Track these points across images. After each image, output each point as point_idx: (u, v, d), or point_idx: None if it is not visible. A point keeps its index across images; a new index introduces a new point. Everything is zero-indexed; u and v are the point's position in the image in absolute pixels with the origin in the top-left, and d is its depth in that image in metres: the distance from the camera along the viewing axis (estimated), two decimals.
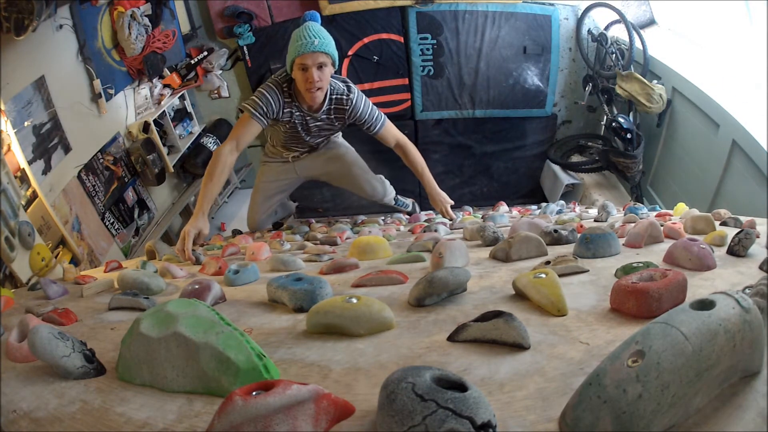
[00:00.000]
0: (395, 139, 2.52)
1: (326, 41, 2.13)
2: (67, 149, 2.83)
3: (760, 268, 0.92)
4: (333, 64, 2.20)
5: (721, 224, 1.60)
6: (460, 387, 0.43)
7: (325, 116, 2.37)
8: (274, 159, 2.74)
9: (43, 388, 0.62)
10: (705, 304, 0.40)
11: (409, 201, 3.48)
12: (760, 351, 0.41)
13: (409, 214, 3.49)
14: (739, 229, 1.14)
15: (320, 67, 2.13)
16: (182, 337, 0.60)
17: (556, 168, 4.47)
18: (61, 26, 2.84)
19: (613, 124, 3.72)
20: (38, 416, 0.56)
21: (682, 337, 0.36)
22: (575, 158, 4.47)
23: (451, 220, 2.59)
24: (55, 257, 2.49)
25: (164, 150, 3.69)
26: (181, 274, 1.57)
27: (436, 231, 2.09)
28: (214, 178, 2.18)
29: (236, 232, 3.54)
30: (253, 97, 2.24)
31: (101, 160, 3.14)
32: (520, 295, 0.90)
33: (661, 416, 0.34)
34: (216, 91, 4.45)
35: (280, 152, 2.67)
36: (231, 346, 0.60)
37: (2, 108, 2.39)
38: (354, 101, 2.33)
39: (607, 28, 4.09)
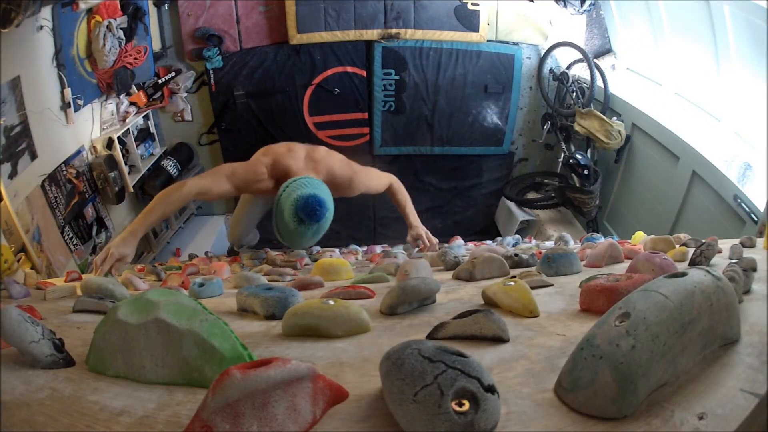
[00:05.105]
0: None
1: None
2: (33, 156, 2.75)
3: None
4: None
5: (680, 246, 1.68)
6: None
7: None
8: None
9: (8, 374, 0.58)
10: (678, 275, 0.44)
11: None
12: (737, 318, 0.45)
13: None
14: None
15: None
16: (164, 323, 0.58)
17: (511, 205, 4.60)
18: (41, 27, 2.78)
19: (570, 160, 3.87)
20: (4, 400, 0.53)
21: (663, 297, 0.40)
22: (531, 195, 4.61)
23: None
24: (17, 261, 2.38)
25: (125, 169, 3.60)
26: (144, 286, 1.53)
27: (395, 257, 2.12)
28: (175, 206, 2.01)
29: (192, 257, 3.46)
30: None
31: (64, 172, 3.04)
32: (489, 304, 0.93)
33: (656, 364, 0.37)
34: (180, 114, 4.40)
35: None
36: (215, 334, 0.58)
37: None
38: None
39: (569, 67, 4.30)
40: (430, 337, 0.71)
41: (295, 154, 2.10)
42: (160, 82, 4.08)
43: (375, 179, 2.36)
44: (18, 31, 2.53)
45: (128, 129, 3.69)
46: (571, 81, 4.24)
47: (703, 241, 1.61)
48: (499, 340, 0.66)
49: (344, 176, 2.15)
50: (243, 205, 2.80)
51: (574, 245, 2.44)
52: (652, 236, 1.82)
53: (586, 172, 3.79)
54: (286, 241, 1.88)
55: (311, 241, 1.88)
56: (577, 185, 3.89)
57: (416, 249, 2.44)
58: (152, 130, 4.18)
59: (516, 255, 1.52)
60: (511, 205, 4.60)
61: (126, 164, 3.65)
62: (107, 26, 3.25)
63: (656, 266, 0.96)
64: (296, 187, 1.81)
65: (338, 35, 4.20)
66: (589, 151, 3.97)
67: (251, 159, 2.11)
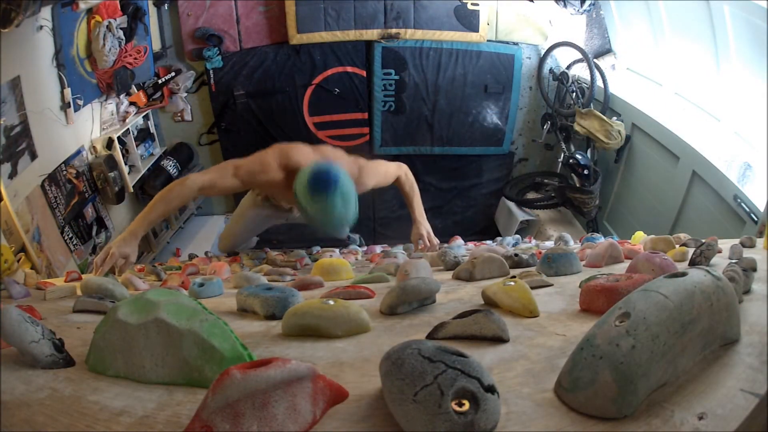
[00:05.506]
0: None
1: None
2: (33, 156, 2.76)
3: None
4: None
5: (680, 246, 1.68)
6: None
7: None
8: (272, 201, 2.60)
9: (8, 374, 0.58)
10: (678, 275, 0.44)
11: (356, 236, 3.54)
12: (737, 318, 0.45)
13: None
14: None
15: None
16: (164, 323, 0.58)
17: (511, 205, 4.60)
18: (41, 27, 2.79)
19: (570, 160, 3.87)
20: (4, 400, 0.53)
21: (663, 297, 0.40)
22: (531, 195, 4.61)
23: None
24: (17, 261, 2.38)
25: (125, 169, 3.60)
26: (144, 286, 1.53)
27: (395, 257, 2.11)
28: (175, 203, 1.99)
29: (192, 257, 3.45)
30: None
31: (64, 172, 3.05)
32: (489, 304, 0.93)
33: (656, 364, 0.37)
34: (179, 114, 4.41)
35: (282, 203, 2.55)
36: (215, 334, 0.58)
37: None
38: None
39: (569, 67, 4.30)
40: (430, 337, 0.71)
41: (301, 149, 2.08)
42: (160, 82, 4.08)
43: (382, 174, 2.28)
44: (18, 31, 2.54)
45: (128, 129, 3.70)
46: (571, 81, 4.23)
47: (703, 241, 1.61)
48: (499, 340, 0.66)
49: (351, 175, 2.06)
50: (239, 219, 2.77)
51: (574, 245, 2.43)
52: (652, 236, 1.82)
53: (586, 172, 3.79)
54: (329, 226, 1.84)
55: (347, 210, 1.80)
56: (577, 185, 3.89)
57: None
58: (152, 130, 4.19)
59: (516, 255, 1.52)
60: (511, 205, 4.60)
61: (126, 164, 3.66)
62: (107, 26, 3.25)
63: (656, 266, 0.96)
64: (303, 171, 1.80)
65: (338, 35, 4.20)
66: (589, 151, 3.96)
67: (256, 153, 2.08)
